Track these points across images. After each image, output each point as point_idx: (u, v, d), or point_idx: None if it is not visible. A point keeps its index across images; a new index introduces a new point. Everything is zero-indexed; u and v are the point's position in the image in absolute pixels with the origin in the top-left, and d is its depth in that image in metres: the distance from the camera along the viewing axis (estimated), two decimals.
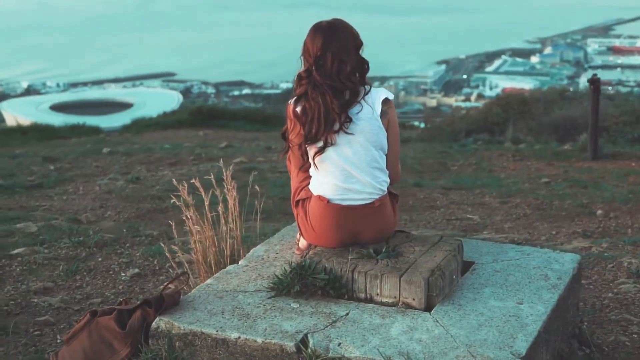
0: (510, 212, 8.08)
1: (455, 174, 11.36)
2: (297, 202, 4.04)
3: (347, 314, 3.54)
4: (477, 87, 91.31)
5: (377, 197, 3.89)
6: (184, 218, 4.44)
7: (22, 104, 67.38)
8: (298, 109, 3.86)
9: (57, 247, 5.86)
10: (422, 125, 31.60)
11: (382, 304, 3.65)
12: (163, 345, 3.52)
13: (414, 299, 3.59)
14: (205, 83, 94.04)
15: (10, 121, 50.94)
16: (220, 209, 4.45)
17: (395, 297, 3.63)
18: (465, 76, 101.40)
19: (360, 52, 3.97)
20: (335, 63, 3.81)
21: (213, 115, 22.54)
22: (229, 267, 4.15)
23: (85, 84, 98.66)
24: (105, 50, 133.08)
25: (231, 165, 4.73)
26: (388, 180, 3.98)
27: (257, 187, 4.67)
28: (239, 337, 3.39)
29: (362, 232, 3.93)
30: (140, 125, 21.90)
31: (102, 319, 3.61)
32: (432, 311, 3.55)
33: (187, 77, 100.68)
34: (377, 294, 3.67)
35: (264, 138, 17.65)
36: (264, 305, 3.65)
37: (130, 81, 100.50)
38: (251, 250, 4.35)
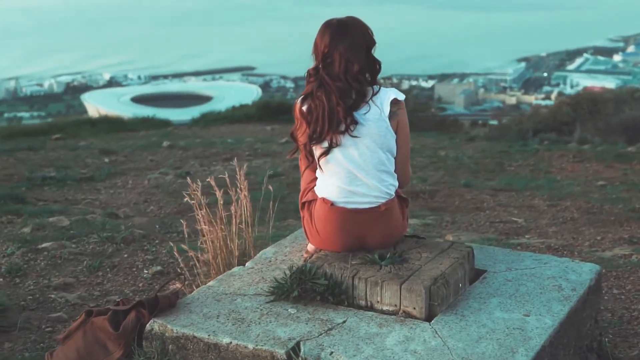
0: (557, 215, 7.84)
1: (511, 175, 11.13)
2: (304, 204, 3.94)
3: (344, 322, 3.43)
4: (557, 85, 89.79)
5: (383, 201, 3.77)
6: (197, 217, 4.38)
7: (103, 96, 68.83)
8: (304, 108, 3.77)
9: (85, 242, 5.87)
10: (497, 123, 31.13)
11: (382, 312, 3.53)
12: (156, 347, 3.46)
13: (414, 308, 3.47)
14: (284, 77, 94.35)
15: (92, 112, 52.06)
16: (232, 208, 4.38)
17: (395, 306, 3.51)
18: (545, 74, 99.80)
19: (373, 51, 3.85)
20: (342, 62, 3.71)
21: (281, 110, 22.50)
22: (234, 269, 4.08)
23: (165, 76, 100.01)
24: (187, 44, 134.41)
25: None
26: (396, 183, 3.85)
27: (270, 187, 4.58)
28: (231, 343, 3.31)
29: (368, 237, 3.82)
30: (209, 119, 22.02)
31: (97, 319, 3.57)
32: (433, 321, 3.42)
33: (267, 71, 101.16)
34: (378, 302, 3.55)
35: None
36: (261, 309, 3.57)
37: (210, 74, 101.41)
38: (260, 252, 4.27)
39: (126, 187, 9.52)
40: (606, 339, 4.14)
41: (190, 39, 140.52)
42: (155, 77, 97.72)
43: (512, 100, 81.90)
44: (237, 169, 4.48)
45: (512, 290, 3.73)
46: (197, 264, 4.46)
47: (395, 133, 3.80)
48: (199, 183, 4.45)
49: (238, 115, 22.16)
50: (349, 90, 3.69)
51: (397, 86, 44.23)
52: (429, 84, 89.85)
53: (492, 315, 3.48)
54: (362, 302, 3.58)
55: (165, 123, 22.48)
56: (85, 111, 60.44)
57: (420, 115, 29.22)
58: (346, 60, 3.71)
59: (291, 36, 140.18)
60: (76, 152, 13.42)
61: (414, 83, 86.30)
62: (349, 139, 3.71)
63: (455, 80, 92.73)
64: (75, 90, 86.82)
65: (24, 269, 5.29)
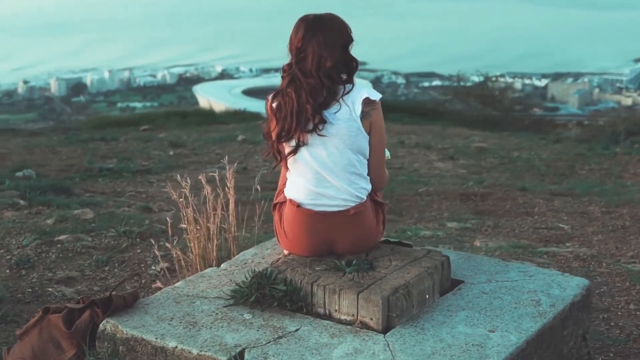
0: (607, 223, 7.49)
1: (579, 179, 10.75)
2: (275, 205, 3.82)
3: (296, 330, 3.30)
4: None
5: (352, 204, 3.62)
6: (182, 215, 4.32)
7: (215, 88, 69.88)
8: (274, 105, 3.65)
9: (102, 236, 5.87)
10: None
11: (339, 321, 3.39)
12: (107, 348, 3.40)
13: (371, 319, 3.32)
14: (396, 73, 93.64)
15: (203, 104, 52.94)
16: (209, 208, 4.31)
17: (353, 315, 3.36)
18: None
19: (350, 49, 3.70)
20: (315, 57, 3.57)
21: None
22: (207, 270, 3.99)
23: (277, 70, 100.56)
24: None
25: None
26: (369, 187, 3.69)
27: (258, 187, 4.48)
28: (176, 347, 3.23)
29: (337, 242, 3.67)
30: None
31: (53, 316, 3.53)
32: (388, 334, 3.26)
33: (378, 66, 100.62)
34: (336, 310, 3.41)
35: (419, 132, 17.33)
36: (217, 314, 3.47)
37: None
38: (240, 253, 4.17)
39: (179, 181, 9.52)
40: (601, 358, 3.90)
41: None
42: (266, 70, 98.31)
43: (627, 102, 79.25)
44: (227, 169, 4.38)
45: (484, 303, 3.53)
46: (183, 263, 4.39)
47: (369, 134, 3.64)
48: (188, 181, 4.38)
49: None
50: (320, 87, 3.55)
51: (510, 85, 43.39)
52: (542, 82, 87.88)
53: (454, 329, 3.30)
54: (321, 310, 3.44)
55: (256, 116, 22.65)
56: (196, 102, 61.51)
57: (516, 115, 28.73)
58: (319, 55, 3.57)
59: (404, 32, 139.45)
60: (147, 144, 13.58)
61: (527, 82, 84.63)
62: (318, 139, 3.57)
63: (570, 80, 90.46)
64: (187, 82, 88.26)
65: (33, 261, 5.31)
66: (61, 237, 5.75)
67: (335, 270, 3.55)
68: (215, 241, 4.28)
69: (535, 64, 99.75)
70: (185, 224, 4.33)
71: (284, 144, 3.64)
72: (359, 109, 3.57)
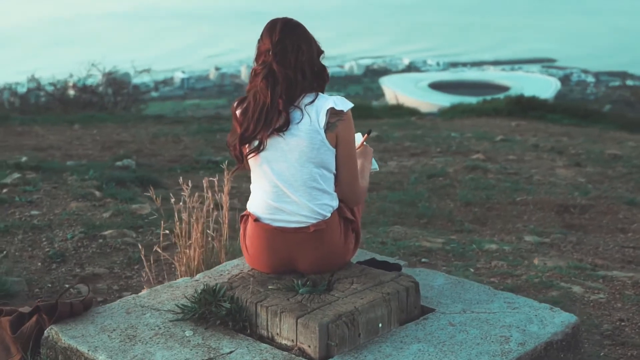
0: None
1: None
2: (242, 217, 3.63)
3: (230, 352, 3.12)
4: None
5: (313, 221, 3.38)
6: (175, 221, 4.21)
7: (401, 80, 70.17)
8: (238, 111, 3.46)
9: (148, 233, 5.85)
10: None
11: (279, 346, 3.17)
12: (49, 356, 3.33)
13: (309, 346, 3.09)
14: (585, 71, 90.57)
15: (389, 96, 53.28)
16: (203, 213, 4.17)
17: (292, 341, 3.14)
18: None
19: (321, 59, 3.49)
20: (294, 49, 3.36)
21: (532, 106, 21.64)
22: (179, 280, 3.87)
23: (464, 64, 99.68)
24: (489, 33, 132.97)
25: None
26: (334, 204, 3.44)
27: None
28: None
29: (298, 260, 3.45)
30: (457, 111, 21.67)
31: (4, 319, 3.49)
32: None
33: (568, 64, 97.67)
34: (277, 334, 3.19)
35: (573, 134, 16.57)
36: (160, 328, 3.33)
37: (509, 65, 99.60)
38: (223, 264, 4.01)
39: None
40: None
41: (492, 28, 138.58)
42: (453, 65, 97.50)
43: None
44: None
45: (445, 336, 3.22)
46: (179, 270, 4.28)
47: (336, 147, 3.39)
48: (189, 184, 4.27)
49: (487, 109, 21.54)
50: (295, 82, 3.34)
51: None
52: None
53: None
54: (264, 333, 3.24)
55: (412, 112, 22.41)
56: (382, 94, 61.90)
57: None
58: (298, 47, 3.36)
59: (596, 29, 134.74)
60: None
61: None
62: (279, 150, 3.36)
63: None
64: (374, 74, 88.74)
65: (67, 255, 5.34)
66: (106, 232, 5.76)
67: (288, 290, 3.34)
68: (197, 249, 4.13)
69: None
70: (176, 229, 4.21)
71: (246, 146, 3.44)
72: (323, 119, 3.33)
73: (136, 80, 31.50)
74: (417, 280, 3.49)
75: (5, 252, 5.37)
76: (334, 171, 3.43)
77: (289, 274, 3.50)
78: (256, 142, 3.39)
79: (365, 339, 3.17)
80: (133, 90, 25.20)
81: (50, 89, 22.74)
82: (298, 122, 3.34)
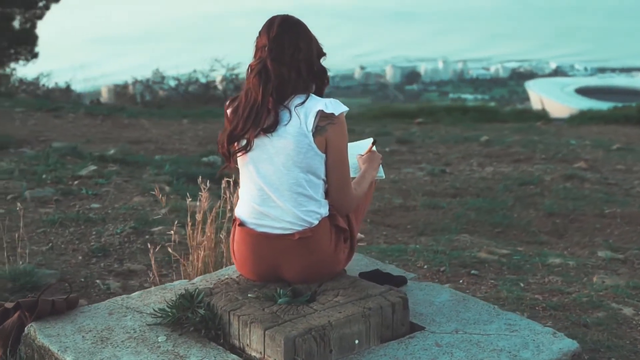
0: None
1: None
2: (233, 221, 3.48)
3: None
4: None
5: (299, 228, 3.20)
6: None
7: (547, 84, 69.02)
8: (229, 109, 3.33)
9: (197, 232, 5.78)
10: None
11: (249, 357, 3.02)
12: (26, 353, 3.28)
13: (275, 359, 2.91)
14: None
15: (534, 100, 52.43)
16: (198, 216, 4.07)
17: (260, 353, 2.98)
18: None
19: (322, 60, 3.31)
20: (291, 46, 3.20)
21: None
22: (175, 282, 3.76)
23: (613, 70, 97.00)
24: (639, 38, 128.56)
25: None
26: (323, 211, 3.25)
27: None
28: None
29: (283, 268, 3.28)
30: (585, 117, 20.88)
31: None
32: None
33: None
34: (248, 345, 3.04)
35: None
36: (135, 331, 3.22)
37: None
38: (225, 268, 3.88)
39: None
40: None
41: None
42: (602, 70, 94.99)
43: None
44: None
45: (427, 358, 2.99)
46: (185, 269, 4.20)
47: (325, 152, 3.20)
48: (205, 185, 4.18)
49: (617, 116, 20.70)
50: (287, 80, 3.17)
51: None
52: None
53: None
54: (236, 342, 3.09)
55: (539, 117, 21.73)
56: (527, 98, 60.92)
57: None
58: (295, 44, 3.20)
59: None
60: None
61: None
62: (264, 152, 3.20)
63: None
64: (520, 77, 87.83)
65: (109, 251, 5.33)
66: (155, 229, 5.72)
67: (267, 299, 3.18)
68: (202, 252, 4.02)
69: None
70: (188, 230, 4.11)
71: (234, 145, 3.30)
72: (311, 122, 3.15)
73: None
74: (416, 296, 3.27)
75: (51, 245, 5.40)
76: (323, 177, 3.25)
77: (275, 282, 3.33)
78: (244, 141, 3.24)
79: (338, 356, 2.97)
80: None
81: (174, 83, 23.22)
82: (286, 124, 3.17)
